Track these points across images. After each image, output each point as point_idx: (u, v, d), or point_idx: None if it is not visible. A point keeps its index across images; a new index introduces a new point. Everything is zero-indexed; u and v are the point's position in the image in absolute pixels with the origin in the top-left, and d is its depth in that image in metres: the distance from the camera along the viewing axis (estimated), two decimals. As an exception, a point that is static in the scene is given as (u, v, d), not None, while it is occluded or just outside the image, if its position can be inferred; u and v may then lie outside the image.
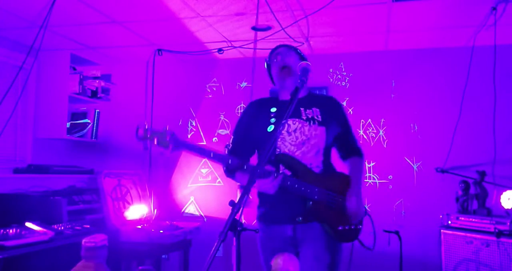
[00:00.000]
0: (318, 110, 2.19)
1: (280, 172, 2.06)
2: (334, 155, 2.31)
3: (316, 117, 2.17)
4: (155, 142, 1.90)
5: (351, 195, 2.15)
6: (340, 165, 2.29)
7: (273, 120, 2.16)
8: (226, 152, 2.26)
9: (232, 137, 2.29)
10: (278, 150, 2.14)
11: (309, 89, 2.29)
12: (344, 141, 2.29)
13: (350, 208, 2.13)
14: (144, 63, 4.46)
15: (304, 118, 2.16)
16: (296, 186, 2.01)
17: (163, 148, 1.91)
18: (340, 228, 2.10)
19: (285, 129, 2.14)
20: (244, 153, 2.18)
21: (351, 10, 3.13)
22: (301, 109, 2.18)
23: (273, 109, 2.21)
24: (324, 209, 2.08)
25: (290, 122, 2.15)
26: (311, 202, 2.04)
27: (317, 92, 2.42)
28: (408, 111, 3.98)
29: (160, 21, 3.38)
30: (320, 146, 2.15)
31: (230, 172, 2.16)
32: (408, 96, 4.00)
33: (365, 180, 4.01)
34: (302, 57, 2.27)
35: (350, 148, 2.31)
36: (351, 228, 2.14)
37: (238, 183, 2.33)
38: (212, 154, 1.94)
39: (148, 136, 1.90)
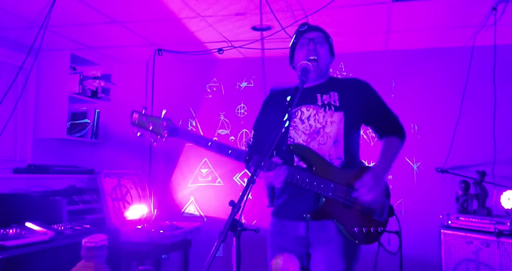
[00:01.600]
0: (336, 94, 1.98)
1: (294, 165, 1.92)
2: (365, 145, 2.11)
3: (333, 102, 1.96)
4: (150, 128, 1.79)
5: (368, 175, 1.87)
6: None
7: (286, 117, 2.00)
8: (247, 147, 2.10)
9: (252, 132, 2.14)
10: (292, 139, 1.97)
11: (330, 75, 2.11)
12: (378, 120, 2.06)
13: (363, 192, 1.85)
14: (144, 63, 4.46)
15: (320, 104, 1.96)
16: (307, 180, 1.82)
17: (158, 135, 1.81)
18: (356, 229, 1.88)
19: (298, 116, 1.96)
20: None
21: (351, 10, 3.13)
22: (318, 94, 1.98)
23: (289, 98, 2.04)
24: (340, 207, 1.87)
25: (304, 109, 1.96)
26: (324, 199, 1.85)
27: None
28: (408, 111, 3.98)
29: (160, 21, 3.38)
30: (338, 134, 1.93)
31: (247, 166, 2.01)
32: (408, 96, 4.00)
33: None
34: (333, 51, 2.10)
35: (386, 126, 2.07)
36: (370, 231, 1.92)
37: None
38: (209, 143, 1.81)
39: (143, 121, 1.80)
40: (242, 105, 4.36)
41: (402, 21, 3.35)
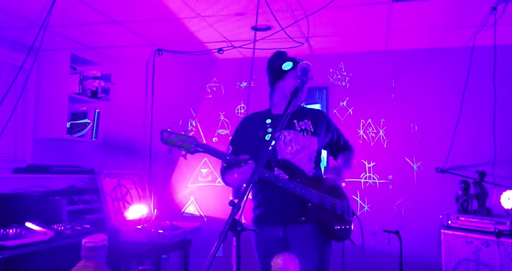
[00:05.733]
0: (309, 122, 2.35)
1: (278, 174, 2.21)
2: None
3: (309, 128, 2.33)
4: (179, 145, 2.05)
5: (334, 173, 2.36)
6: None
7: (270, 129, 2.30)
8: (225, 164, 2.36)
9: (230, 148, 2.38)
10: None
11: (298, 104, 2.43)
12: (337, 145, 2.49)
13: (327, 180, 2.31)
14: (144, 63, 4.47)
15: (298, 129, 2.32)
16: (298, 188, 2.15)
17: (186, 150, 2.05)
18: (336, 227, 2.26)
19: (282, 139, 2.29)
20: None
21: (351, 10, 3.13)
22: (294, 121, 2.33)
23: (268, 121, 2.34)
24: (322, 210, 2.22)
25: (285, 133, 2.30)
26: (310, 204, 2.18)
27: (306, 106, 2.57)
28: (408, 111, 3.99)
29: (160, 21, 3.38)
30: (311, 154, 2.31)
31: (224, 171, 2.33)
32: (408, 96, 4.00)
33: (365, 180, 4.02)
34: None
35: (342, 148, 2.51)
36: (345, 227, 2.30)
37: (226, 184, 2.43)
38: (228, 157, 2.15)
39: (173, 138, 2.04)
40: (242, 105, 4.36)
41: (402, 21, 3.35)
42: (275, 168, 2.24)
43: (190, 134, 2.08)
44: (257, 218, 2.33)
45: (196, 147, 2.04)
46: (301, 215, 2.17)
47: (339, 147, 2.51)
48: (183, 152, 2.05)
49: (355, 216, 2.39)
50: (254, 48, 3.24)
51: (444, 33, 3.61)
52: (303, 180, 2.21)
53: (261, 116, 2.39)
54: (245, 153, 2.21)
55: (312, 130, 2.34)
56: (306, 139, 2.31)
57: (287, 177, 2.20)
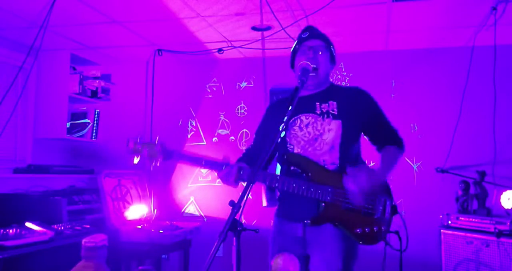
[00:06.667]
0: (335, 103, 2.03)
1: (291, 168, 2.00)
2: (366, 151, 2.18)
3: (331, 111, 2.01)
4: (146, 154, 1.94)
5: (362, 170, 1.91)
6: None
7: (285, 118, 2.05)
8: (246, 150, 2.21)
9: (254, 137, 2.24)
10: (291, 146, 2.04)
11: (331, 82, 2.15)
12: (377, 130, 2.10)
13: (354, 182, 1.87)
14: (144, 63, 4.46)
15: (318, 112, 2.02)
16: (304, 187, 1.88)
17: (154, 159, 1.94)
18: (358, 230, 1.93)
19: (297, 124, 2.03)
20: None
21: (351, 10, 3.13)
22: (317, 103, 2.04)
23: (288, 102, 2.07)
24: (340, 210, 1.92)
25: (303, 117, 2.03)
26: (323, 204, 1.91)
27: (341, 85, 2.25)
28: (408, 111, 3.98)
29: (160, 21, 3.38)
30: (335, 141, 1.98)
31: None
32: (408, 96, 4.00)
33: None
34: (334, 58, 2.13)
35: (385, 138, 2.11)
36: (373, 230, 1.95)
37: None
38: (203, 162, 1.94)
39: (138, 148, 1.94)
40: (242, 105, 4.36)
41: (402, 21, 3.35)
42: (290, 166, 2.01)
43: (157, 140, 1.96)
44: (279, 210, 2.12)
45: (164, 155, 1.93)
46: (307, 218, 1.93)
47: (381, 136, 2.10)
48: (150, 161, 1.95)
49: (397, 215, 2.06)
50: (263, 48, 3.24)
51: (444, 33, 3.61)
52: (317, 175, 1.93)
53: (286, 101, 2.04)
54: (263, 143, 2.02)
55: (336, 112, 2.00)
56: (326, 123, 1.99)
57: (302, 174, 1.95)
